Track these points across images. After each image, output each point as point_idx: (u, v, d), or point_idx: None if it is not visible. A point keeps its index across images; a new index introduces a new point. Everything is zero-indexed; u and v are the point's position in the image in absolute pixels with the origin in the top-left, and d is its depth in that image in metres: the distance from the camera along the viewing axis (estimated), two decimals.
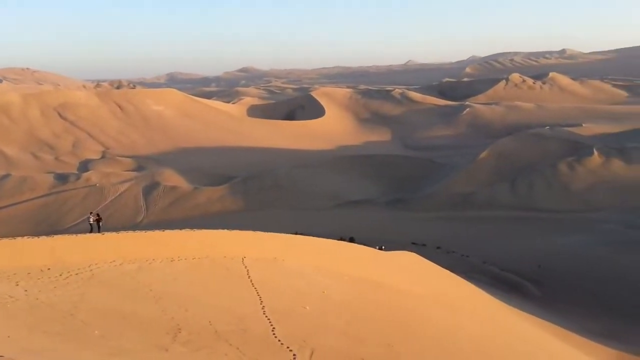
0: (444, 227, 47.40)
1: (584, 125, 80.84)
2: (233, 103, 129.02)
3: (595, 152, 58.68)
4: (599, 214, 47.81)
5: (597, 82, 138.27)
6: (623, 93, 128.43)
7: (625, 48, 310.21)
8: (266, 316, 10.01)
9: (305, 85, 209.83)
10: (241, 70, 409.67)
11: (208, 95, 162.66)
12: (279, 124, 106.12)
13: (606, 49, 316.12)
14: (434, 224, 48.73)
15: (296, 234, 27.11)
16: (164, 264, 12.50)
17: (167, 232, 14.29)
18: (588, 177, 55.72)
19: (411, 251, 24.78)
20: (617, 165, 57.23)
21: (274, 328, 9.45)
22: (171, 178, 64.31)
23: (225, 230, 15.48)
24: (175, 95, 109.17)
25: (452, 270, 23.74)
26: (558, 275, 31.78)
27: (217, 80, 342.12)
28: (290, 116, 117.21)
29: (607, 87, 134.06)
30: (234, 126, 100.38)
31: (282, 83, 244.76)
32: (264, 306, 10.46)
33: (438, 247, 37.55)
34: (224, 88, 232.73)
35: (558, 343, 17.33)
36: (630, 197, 50.73)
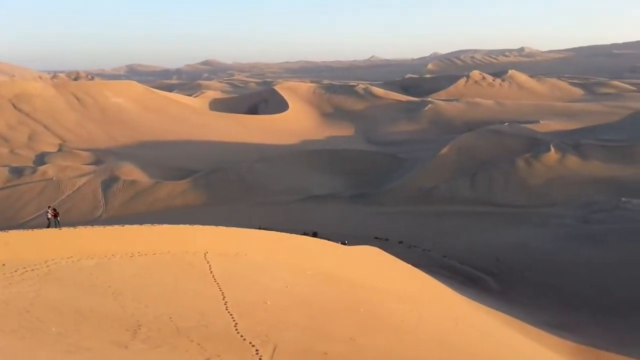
0: (407, 222, 47.91)
1: (541, 122, 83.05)
2: (195, 96, 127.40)
3: (552, 149, 60.25)
4: (554, 208, 49.09)
5: (554, 80, 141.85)
6: (579, 91, 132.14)
7: (581, 47, 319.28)
8: (228, 311, 9.93)
9: (268, 80, 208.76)
10: (203, 63, 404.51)
11: (169, 88, 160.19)
12: (242, 118, 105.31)
13: (563, 48, 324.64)
14: (396, 219, 49.21)
15: (259, 228, 26.98)
16: (123, 259, 12.25)
17: (127, 227, 14.01)
18: (545, 173, 57.18)
19: (374, 246, 24.98)
20: (572, 161, 58.92)
21: (236, 323, 9.38)
22: (131, 172, 63.10)
23: (187, 225, 15.27)
24: (135, 87, 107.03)
25: (413, 265, 24.04)
26: (516, 268, 32.53)
27: (178, 72, 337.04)
28: (253, 110, 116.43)
29: (564, 85, 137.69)
30: (196, 120, 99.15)
31: (246, 77, 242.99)
32: (226, 301, 10.37)
33: (400, 242, 37.96)
34: (185, 81, 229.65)
35: (517, 336, 17.75)
36: (584, 192, 52.30)
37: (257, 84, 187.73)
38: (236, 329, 9.18)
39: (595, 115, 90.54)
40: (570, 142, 63.50)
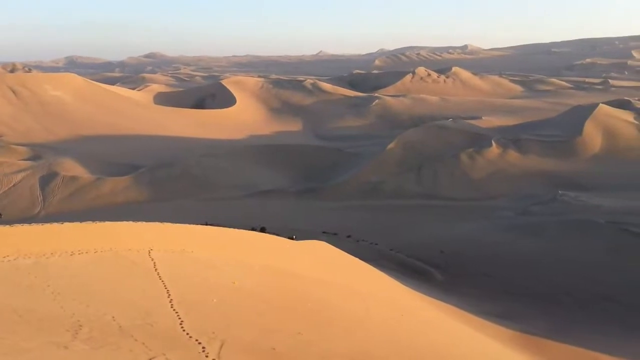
0: (354, 216, 48.36)
1: (483, 117, 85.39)
2: (139, 90, 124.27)
3: (494, 144, 62.10)
4: (496, 201, 50.68)
5: (495, 77, 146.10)
6: (519, 88, 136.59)
7: (521, 45, 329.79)
8: (174, 309, 9.74)
9: (215, 73, 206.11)
10: (147, 55, 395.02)
11: (111, 81, 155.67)
12: (188, 112, 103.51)
13: (504, 46, 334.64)
14: (344, 213, 49.59)
15: (206, 224, 26.62)
16: (63, 258, 11.82)
17: (67, 224, 13.52)
18: (487, 167, 58.90)
19: (322, 240, 25.07)
20: (513, 155, 60.93)
21: (182, 321, 9.21)
22: (71, 168, 60.93)
23: (130, 222, 14.88)
24: (75, 80, 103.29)
25: (361, 258, 24.28)
26: (459, 260, 33.39)
27: (121, 65, 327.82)
28: (200, 104, 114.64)
29: (505, 81, 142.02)
30: (140, 114, 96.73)
31: (191, 70, 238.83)
32: (171, 299, 10.18)
33: (348, 236, 38.27)
34: (128, 74, 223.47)
35: (460, 325, 18.21)
36: (524, 185, 54.22)
37: (204, 77, 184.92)
38: (182, 327, 9.02)
39: (534, 111, 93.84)
40: (511, 137, 65.60)
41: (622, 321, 25.15)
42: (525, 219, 41.40)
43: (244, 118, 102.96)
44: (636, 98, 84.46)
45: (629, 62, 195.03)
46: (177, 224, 16.35)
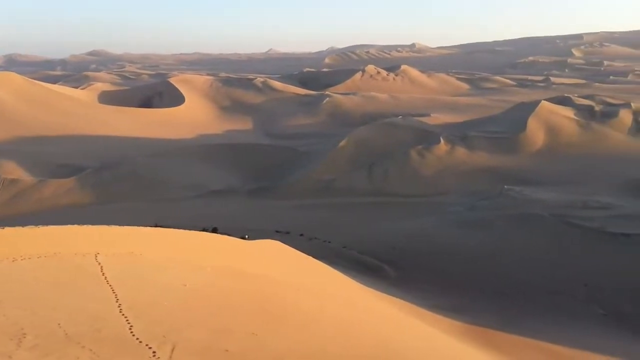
0: (307, 214, 48.39)
1: (432, 115, 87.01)
2: (82, 88, 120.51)
3: (442, 140, 63.36)
4: (445, 197, 51.72)
5: (443, 75, 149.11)
6: (465, 85, 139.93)
7: (467, 44, 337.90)
8: (123, 314, 9.45)
9: (162, 72, 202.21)
10: (91, 53, 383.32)
11: (53, 80, 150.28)
12: (134, 111, 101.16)
13: (450, 45, 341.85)
14: (297, 212, 49.55)
15: (155, 226, 26.06)
16: (4, 264, 11.30)
17: (8, 229, 12.93)
18: (436, 164, 60.06)
19: (275, 239, 24.94)
20: (461, 152, 62.35)
21: (131, 326, 8.94)
22: (12, 170, 58.53)
23: (76, 225, 14.36)
24: (14, 78, 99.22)
25: (314, 256, 24.29)
26: (411, 256, 33.90)
27: (63, 63, 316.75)
28: (147, 103, 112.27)
29: (452, 79, 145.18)
30: (84, 113, 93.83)
31: (137, 68, 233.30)
32: (119, 304, 9.87)
33: (301, 234, 38.24)
34: (71, 72, 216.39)
35: (411, 320, 18.47)
36: (472, 181, 55.59)
37: (150, 75, 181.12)
38: (131, 332, 8.75)
39: (480, 109, 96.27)
40: (458, 134, 67.09)
41: (569, 311, 26.15)
42: (474, 213, 42.40)
43: (193, 117, 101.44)
44: (576, 95, 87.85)
45: (569, 60, 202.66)
46: (125, 226, 15.91)
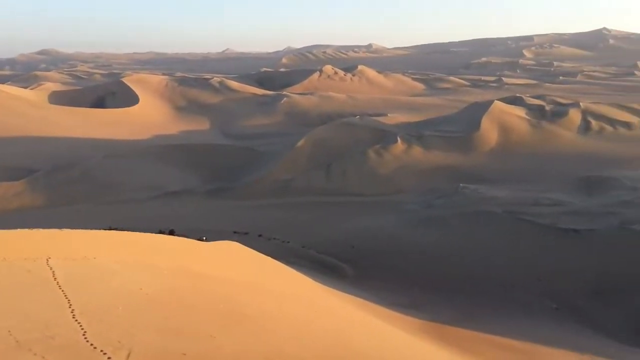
0: (265, 215, 48.19)
1: (388, 115, 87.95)
2: (32, 88, 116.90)
3: (399, 140, 64.12)
4: (402, 196, 52.36)
5: (399, 76, 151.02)
6: (420, 86, 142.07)
7: (422, 45, 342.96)
8: (76, 319, 9.20)
9: (115, 71, 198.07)
10: (40, 52, 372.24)
11: (1, 80, 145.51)
12: (87, 111, 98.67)
13: (406, 45, 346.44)
14: (255, 212, 49.29)
15: (110, 229, 25.48)
16: None
17: None
18: (393, 163, 60.73)
19: (233, 240, 24.74)
20: (417, 151, 63.24)
21: (85, 332, 8.71)
22: None
23: (26, 229, 13.91)
24: None
25: (273, 257, 24.20)
26: (370, 254, 34.20)
27: (11, 63, 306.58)
28: (99, 103, 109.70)
29: (408, 80, 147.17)
30: (33, 114, 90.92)
31: (89, 68, 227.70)
32: (73, 309, 9.60)
33: (260, 235, 38.09)
34: (20, 72, 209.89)
35: (370, 318, 18.63)
36: (428, 179, 56.45)
37: (103, 75, 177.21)
38: (85, 338, 8.53)
39: (436, 109, 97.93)
40: (415, 133, 68.02)
41: (523, 305, 26.88)
42: (430, 212, 43.07)
43: (147, 117, 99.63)
44: (527, 95, 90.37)
45: (521, 60, 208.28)
46: (78, 230, 15.50)
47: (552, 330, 23.75)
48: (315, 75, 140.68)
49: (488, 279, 29.97)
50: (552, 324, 24.93)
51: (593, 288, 28.70)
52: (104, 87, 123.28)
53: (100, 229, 18.51)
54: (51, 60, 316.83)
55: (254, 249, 23.72)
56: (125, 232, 18.43)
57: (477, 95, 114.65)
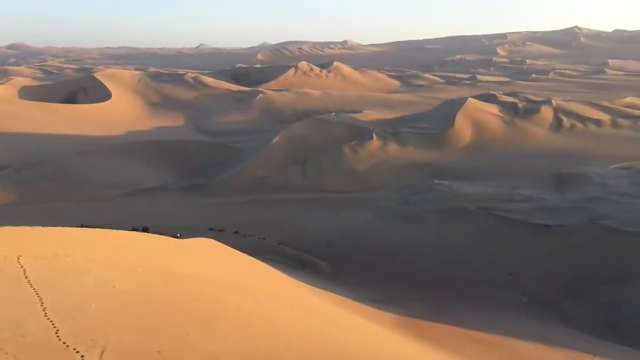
0: (241, 212, 48.01)
1: (364, 111, 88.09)
2: (1, 83, 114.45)
3: (374, 136, 64.40)
4: (378, 192, 52.63)
5: (374, 72, 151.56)
6: (396, 82, 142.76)
7: (398, 42, 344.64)
8: (48, 318, 9.07)
9: (87, 66, 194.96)
10: (10, 46, 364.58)
11: None
12: (58, 107, 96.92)
13: (382, 42, 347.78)
14: (231, 209, 49.06)
15: (82, 226, 25.12)
16: None
17: None
18: (369, 159, 60.98)
19: (209, 237, 24.60)
20: (393, 148, 63.61)
21: (57, 330, 8.59)
22: None
23: None
24: None
25: (249, 254, 24.14)
26: (345, 250, 34.32)
27: None
28: (71, 99, 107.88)
29: (383, 76, 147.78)
30: (3, 109, 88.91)
31: (60, 62, 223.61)
32: (44, 307, 9.46)
33: (235, 232, 37.91)
34: None
35: (345, 313, 18.73)
36: (404, 176, 56.85)
37: (74, 70, 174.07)
38: (57, 336, 8.42)
39: (411, 105, 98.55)
40: (390, 130, 68.36)
41: (495, 300, 27.31)
42: (406, 208, 43.36)
43: (120, 113, 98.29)
44: (501, 92, 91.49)
45: (494, 58, 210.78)
46: (49, 227, 15.26)
47: (523, 323, 24.18)
48: (291, 71, 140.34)
49: (462, 274, 30.35)
50: (523, 317, 25.39)
51: (564, 282, 29.28)
52: (75, 82, 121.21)
53: (72, 227, 18.24)
54: (21, 54, 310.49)
55: (229, 246, 23.62)
56: (98, 229, 18.19)
57: (452, 93, 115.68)
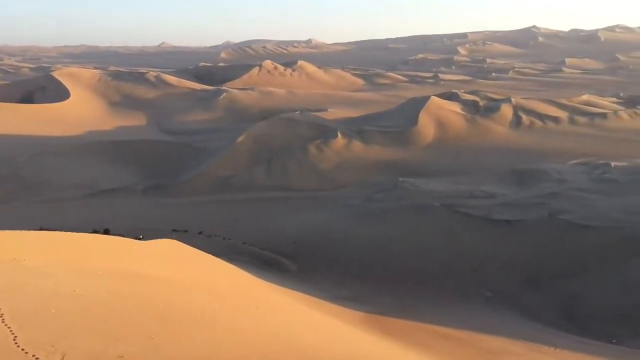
0: (206, 212, 47.54)
1: (329, 110, 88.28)
2: None
3: (339, 135, 64.60)
4: (344, 190, 52.84)
5: (339, 71, 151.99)
6: (360, 81, 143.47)
7: (361, 40, 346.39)
8: (5, 324, 8.80)
9: (45, 65, 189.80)
10: None
11: None
12: (14, 107, 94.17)
13: (346, 41, 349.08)
14: (195, 209, 48.53)
15: (40, 229, 24.49)
16: None
17: None
18: (334, 158, 61.13)
19: (172, 238, 24.31)
20: (357, 146, 63.90)
21: (15, 336, 8.35)
22: None
23: None
24: None
25: (214, 254, 23.95)
26: (311, 249, 34.37)
27: None
28: (28, 99, 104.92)
29: (348, 75, 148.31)
30: None
31: (17, 61, 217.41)
32: (2, 313, 9.18)
33: (200, 232, 37.54)
34: None
35: (312, 312, 18.75)
36: (369, 174, 57.20)
37: (32, 69, 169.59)
38: (16, 342, 8.19)
39: (375, 104, 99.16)
40: (355, 128, 68.66)
41: (460, 295, 27.75)
42: (371, 206, 43.67)
43: (80, 113, 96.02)
44: (462, 90, 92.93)
45: (455, 57, 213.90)
46: (6, 231, 14.83)
47: (487, 317, 24.66)
48: (255, 70, 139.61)
49: (426, 270, 30.76)
50: (487, 311, 25.89)
51: (525, 276, 29.98)
52: (32, 82, 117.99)
53: (30, 230, 17.76)
54: None
55: (194, 247, 23.39)
56: (57, 232, 17.76)
57: (415, 91, 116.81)
